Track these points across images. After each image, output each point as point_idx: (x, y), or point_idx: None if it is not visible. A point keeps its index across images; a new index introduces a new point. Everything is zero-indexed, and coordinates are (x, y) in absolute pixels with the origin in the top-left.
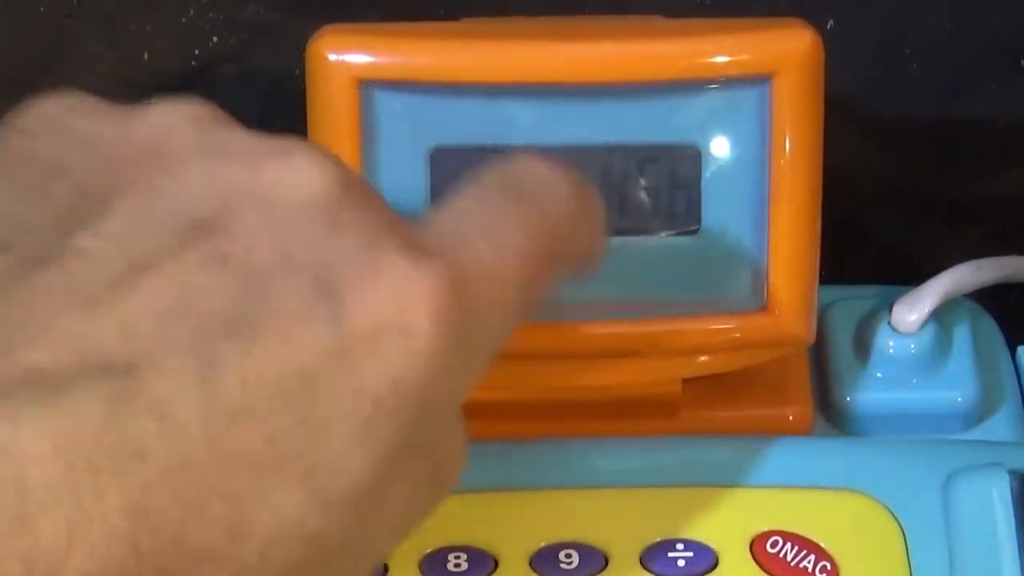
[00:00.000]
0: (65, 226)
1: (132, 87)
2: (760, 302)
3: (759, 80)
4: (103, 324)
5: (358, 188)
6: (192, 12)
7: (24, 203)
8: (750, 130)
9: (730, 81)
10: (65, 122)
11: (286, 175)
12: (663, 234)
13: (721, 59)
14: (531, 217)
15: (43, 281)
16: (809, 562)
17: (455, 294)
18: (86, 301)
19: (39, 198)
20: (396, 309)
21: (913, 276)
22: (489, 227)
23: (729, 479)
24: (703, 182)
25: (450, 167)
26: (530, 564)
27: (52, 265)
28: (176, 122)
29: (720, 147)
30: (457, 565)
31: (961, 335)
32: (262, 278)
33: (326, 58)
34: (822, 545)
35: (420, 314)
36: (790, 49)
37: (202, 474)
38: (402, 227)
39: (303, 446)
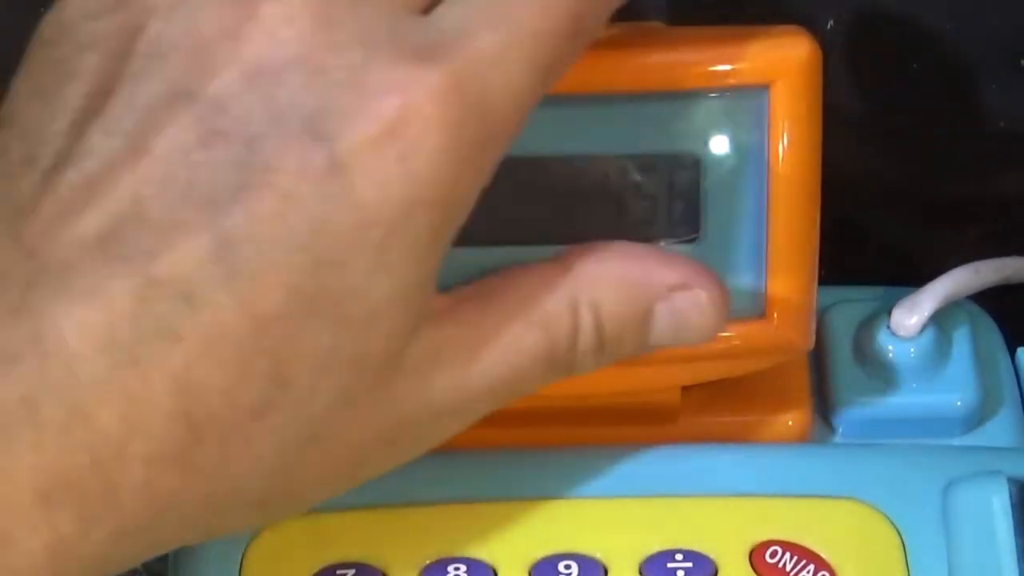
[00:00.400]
0: (79, 127)
1: None
2: (759, 310)
3: (758, 88)
4: (119, 214)
5: (336, 8)
6: None
7: (46, 111)
8: (749, 138)
9: (729, 90)
10: (78, 26)
11: (259, 34)
12: (662, 242)
13: (720, 68)
14: None
15: (64, 187)
16: (808, 572)
17: (455, 96)
18: (102, 195)
19: (57, 103)
20: (391, 132)
21: (913, 276)
22: (498, 9)
23: (728, 488)
24: (702, 190)
25: None
26: (529, 575)
27: (68, 169)
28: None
29: (719, 155)
30: None
31: (960, 338)
32: (256, 141)
33: None
34: (821, 555)
35: (418, 129)
36: (788, 57)
37: (237, 340)
38: (399, 28)
39: (325, 286)
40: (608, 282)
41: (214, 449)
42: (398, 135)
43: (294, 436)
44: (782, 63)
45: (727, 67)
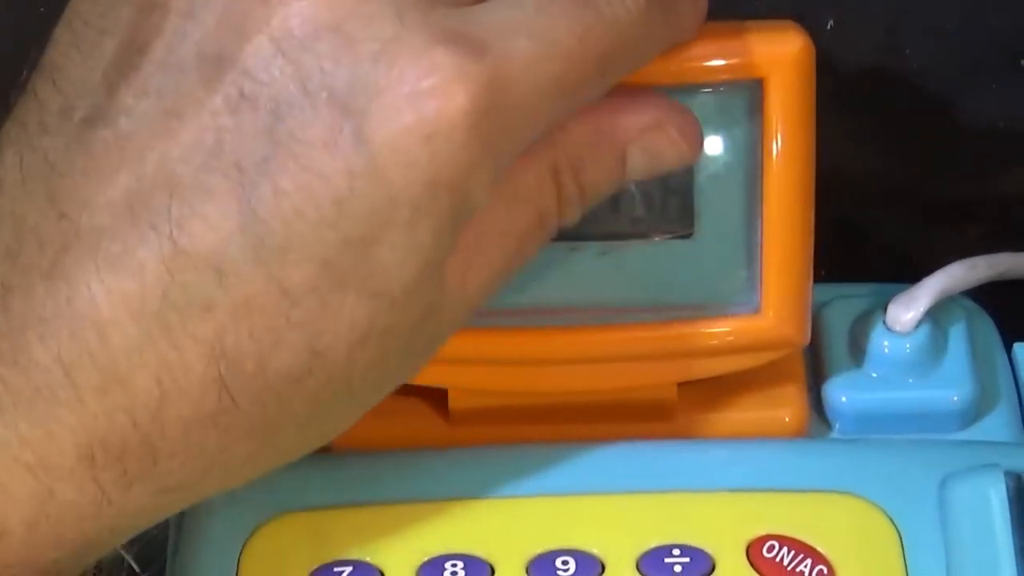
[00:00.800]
0: (113, 83)
1: None
2: (754, 305)
3: (751, 83)
4: (149, 178)
5: None
6: None
7: (84, 64)
8: (743, 133)
9: (722, 84)
10: None
11: (294, 3)
12: (657, 238)
13: (713, 63)
14: (587, 19)
15: (99, 143)
16: (805, 566)
17: (486, 88)
18: (133, 158)
19: (95, 57)
20: (420, 113)
21: (914, 276)
22: (539, 22)
23: (725, 483)
24: (696, 186)
25: None
26: (526, 571)
27: (101, 126)
28: None
29: (713, 150)
30: (454, 573)
31: (956, 333)
32: (283, 109)
33: None
34: (818, 549)
35: (447, 114)
36: (782, 52)
37: (268, 310)
38: (435, 10)
39: (355, 261)
40: (582, 139)
41: (252, 411)
42: (427, 117)
43: (331, 396)
44: (775, 58)
45: (721, 62)
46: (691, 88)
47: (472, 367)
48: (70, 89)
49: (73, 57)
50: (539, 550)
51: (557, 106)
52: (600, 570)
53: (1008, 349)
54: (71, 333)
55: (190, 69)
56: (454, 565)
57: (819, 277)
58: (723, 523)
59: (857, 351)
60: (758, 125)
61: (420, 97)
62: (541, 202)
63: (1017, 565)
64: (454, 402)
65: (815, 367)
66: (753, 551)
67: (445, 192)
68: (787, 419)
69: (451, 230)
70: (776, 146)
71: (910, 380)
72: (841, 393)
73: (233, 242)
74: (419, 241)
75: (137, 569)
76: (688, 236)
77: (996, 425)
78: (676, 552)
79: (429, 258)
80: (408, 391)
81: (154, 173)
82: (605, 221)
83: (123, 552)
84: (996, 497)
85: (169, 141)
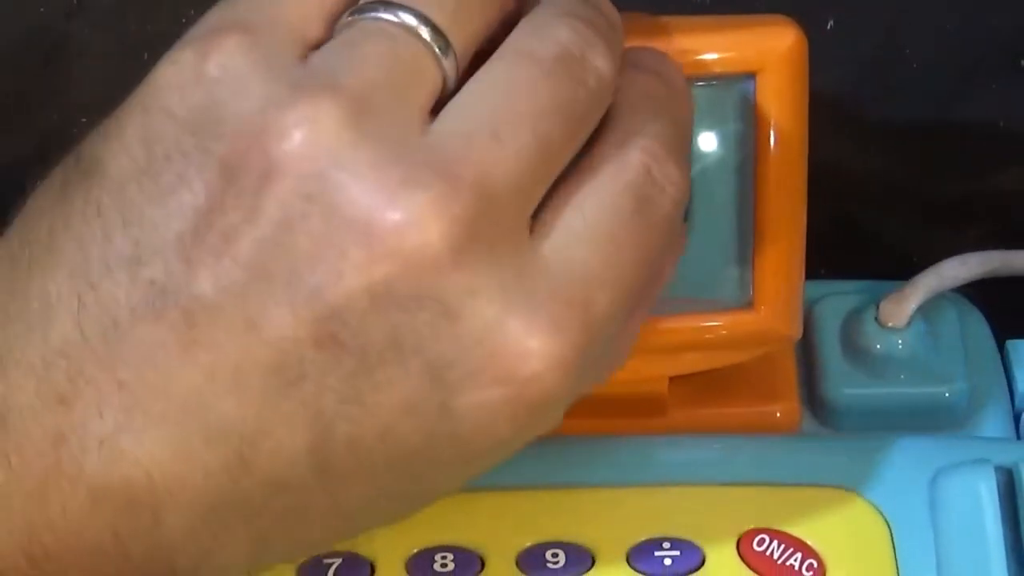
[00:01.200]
0: (190, 255)
1: (132, 87)
2: (746, 299)
3: (744, 78)
4: (221, 384)
5: (477, 239)
6: (193, 12)
7: (158, 209)
8: (735, 128)
9: (715, 79)
10: (210, 102)
11: (395, 251)
12: None
13: (705, 57)
14: (644, 236)
15: (167, 323)
16: (796, 560)
17: (575, 364)
18: (205, 357)
19: (170, 207)
20: (512, 396)
21: (913, 276)
22: (611, 260)
23: (716, 477)
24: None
25: None
26: (516, 564)
27: (172, 303)
28: (315, 152)
29: (705, 145)
30: (444, 565)
31: (949, 330)
32: (374, 364)
33: None
34: (808, 543)
35: (537, 396)
36: (774, 47)
37: (317, 514)
38: (531, 276)
39: (411, 487)
40: None
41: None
42: (519, 400)
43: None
44: (768, 52)
45: (713, 56)
46: None
47: None
48: (141, 236)
49: (147, 190)
50: (529, 542)
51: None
52: (590, 563)
53: (1000, 346)
54: (127, 508)
55: (278, 287)
56: (444, 557)
57: (819, 275)
58: (714, 517)
59: (849, 347)
60: (751, 120)
61: (513, 384)
62: None
63: (1007, 560)
64: None
65: (808, 363)
66: (743, 545)
67: (517, 445)
68: (778, 414)
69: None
70: (769, 141)
71: (902, 376)
72: (833, 389)
73: (299, 466)
74: (479, 472)
75: None
76: None
77: (987, 421)
78: (666, 545)
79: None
80: None
81: (227, 381)
82: None
83: None
84: (987, 492)
85: (247, 353)
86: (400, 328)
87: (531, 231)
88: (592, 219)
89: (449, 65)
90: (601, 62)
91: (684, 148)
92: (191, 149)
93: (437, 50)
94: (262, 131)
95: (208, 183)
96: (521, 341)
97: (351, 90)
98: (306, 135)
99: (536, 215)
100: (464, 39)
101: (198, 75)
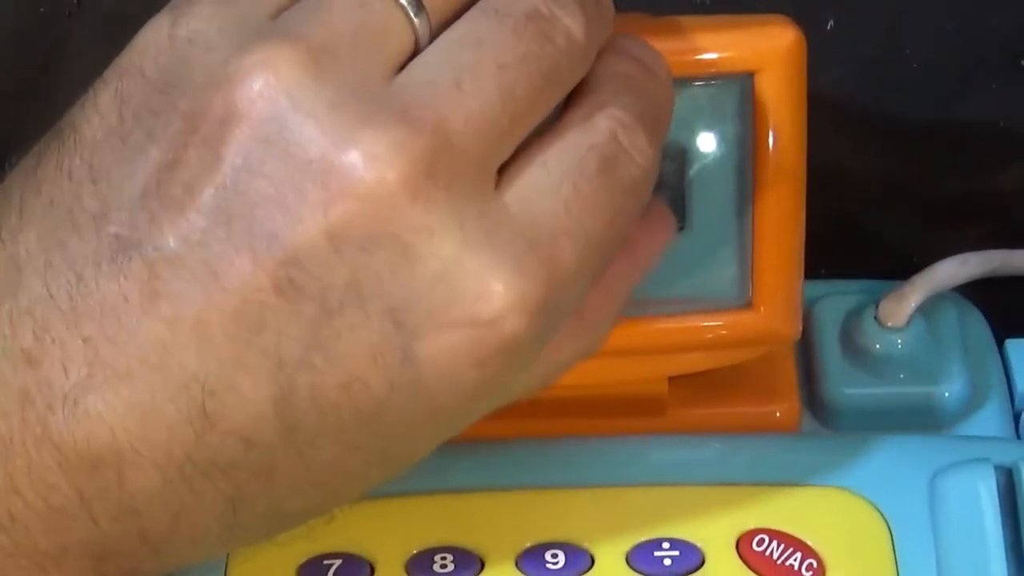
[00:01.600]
0: (153, 210)
1: None
2: (746, 299)
3: (742, 77)
4: (183, 336)
5: (435, 177)
6: None
7: (126, 166)
8: (734, 127)
9: (713, 78)
10: (179, 60)
11: (351, 193)
12: None
13: (704, 57)
14: (615, 197)
15: (132, 277)
16: (795, 560)
17: (540, 311)
18: (167, 309)
19: (137, 162)
20: (473, 341)
21: (912, 276)
22: (575, 213)
23: (715, 477)
24: (688, 180)
25: None
26: (516, 564)
27: (136, 256)
28: (267, 95)
29: (704, 145)
30: (443, 566)
31: (948, 330)
32: (334, 309)
33: None
34: (808, 542)
35: (500, 342)
36: (773, 46)
37: (290, 474)
38: (493, 217)
39: (383, 448)
40: None
41: (259, 528)
42: (481, 345)
43: (328, 510)
44: (767, 52)
45: (712, 56)
46: (682, 82)
47: None
48: (108, 192)
49: (116, 148)
50: (529, 543)
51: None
52: (590, 563)
53: (999, 345)
54: (91, 467)
55: (238, 234)
56: (444, 557)
57: (819, 275)
58: (713, 517)
59: (849, 347)
60: (749, 119)
61: (476, 326)
62: None
63: (1006, 559)
64: None
65: (807, 362)
66: (743, 545)
67: (485, 400)
68: (778, 414)
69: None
70: (767, 140)
71: (901, 376)
72: (832, 388)
73: (265, 420)
74: (448, 428)
75: None
76: (679, 230)
77: (987, 420)
78: (666, 545)
79: (452, 432)
80: None
81: (188, 332)
82: None
83: None
84: (986, 492)
85: (208, 303)
86: (359, 271)
87: (497, 185)
88: (557, 174)
89: (421, 26)
90: (572, 22)
91: (657, 127)
92: (160, 106)
93: (410, 10)
94: (223, 79)
95: (172, 136)
96: (481, 281)
97: (314, 39)
98: (264, 79)
99: (502, 171)
100: (441, 3)
101: (171, 37)
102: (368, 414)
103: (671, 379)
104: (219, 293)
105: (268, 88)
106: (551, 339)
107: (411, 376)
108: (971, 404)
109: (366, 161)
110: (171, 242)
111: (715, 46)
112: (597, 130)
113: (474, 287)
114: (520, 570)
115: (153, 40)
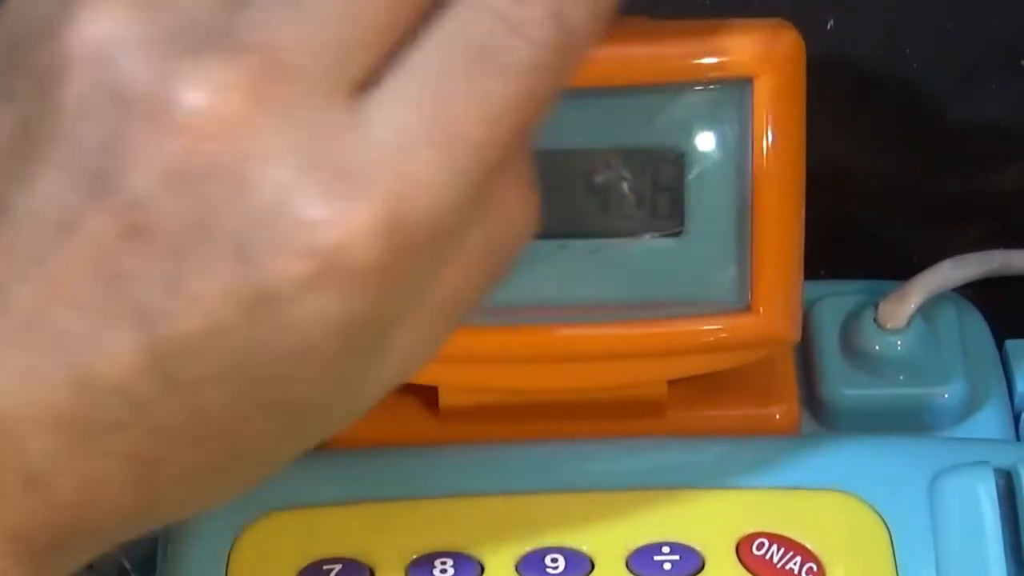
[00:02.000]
0: (9, 168)
1: None
2: (745, 302)
3: (741, 81)
4: (44, 294)
5: (271, 100)
6: None
7: None
8: (733, 131)
9: (713, 82)
10: (20, 15)
11: (183, 127)
12: (647, 236)
13: (703, 61)
14: (492, 94)
15: None
16: (795, 563)
17: (389, 233)
18: (27, 268)
19: None
20: (325, 269)
21: (912, 276)
22: (441, 120)
23: (715, 480)
24: (687, 183)
25: None
26: (516, 569)
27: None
28: (114, 56)
29: (703, 148)
30: (443, 571)
31: (948, 331)
32: (183, 251)
33: None
34: (808, 546)
35: (354, 267)
36: (772, 50)
37: (185, 426)
38: (334, 142)
39: (271, 395)
40: None
41: (176, 493)
42: (333, 273)
43: (255, 476)
44: (766, 56)
45: (711, 60)
46: (681, 86)
47: (462, 365)
48: None
49: None
50: (529, 547)
51: (468, 201)
52: (589, 568)
53: (999, 346)
54: None
55: (83, 182)
56: (443, 562)
57: (819, 276)
58: (713, 521)
59: (848, 348)
60: (749, 123)
61: (319, 254)
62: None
63: (1006, 562)
64: (444, 399)
65: (806, 364)
66: (743, 549)
67: (363, 332)
68: (778, 416)
69: (375, 353)
70: (766, 144)
71: (901, 377)
72: (832, 390)
73: (140, 373)
74: (338, 374)
75: (128, 567)
76: (678, 234)
77: (987, 422)
78: (666, 550)
79: (352, 383)
80: (398, 388)
81: (54, 289)
82: (595, 219)
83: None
84: (986, 494)
85: (68, 259)
86: (199, 208)
87: (357, 101)
88: (422, 78)
89: None
90: None
91: None
92: (17, 63)
93: None
94: (58, 27)
95: (24, 92)
96: (316, 206)
97: None
98: (92, 22)
99: (366, 85)
100: None
101: None
102: (241, 355)
103: (670, 381)
104: (75, 245)
105: (96, 30)
106: (439, 266)
107: (271, 312)
108: (971, 405)
109: (192, 93)
110: (25, 200)
111: (714, 50)
112: (469, 19)
113: (313, 213)
114: (520, 575)
115: (13, 5)
